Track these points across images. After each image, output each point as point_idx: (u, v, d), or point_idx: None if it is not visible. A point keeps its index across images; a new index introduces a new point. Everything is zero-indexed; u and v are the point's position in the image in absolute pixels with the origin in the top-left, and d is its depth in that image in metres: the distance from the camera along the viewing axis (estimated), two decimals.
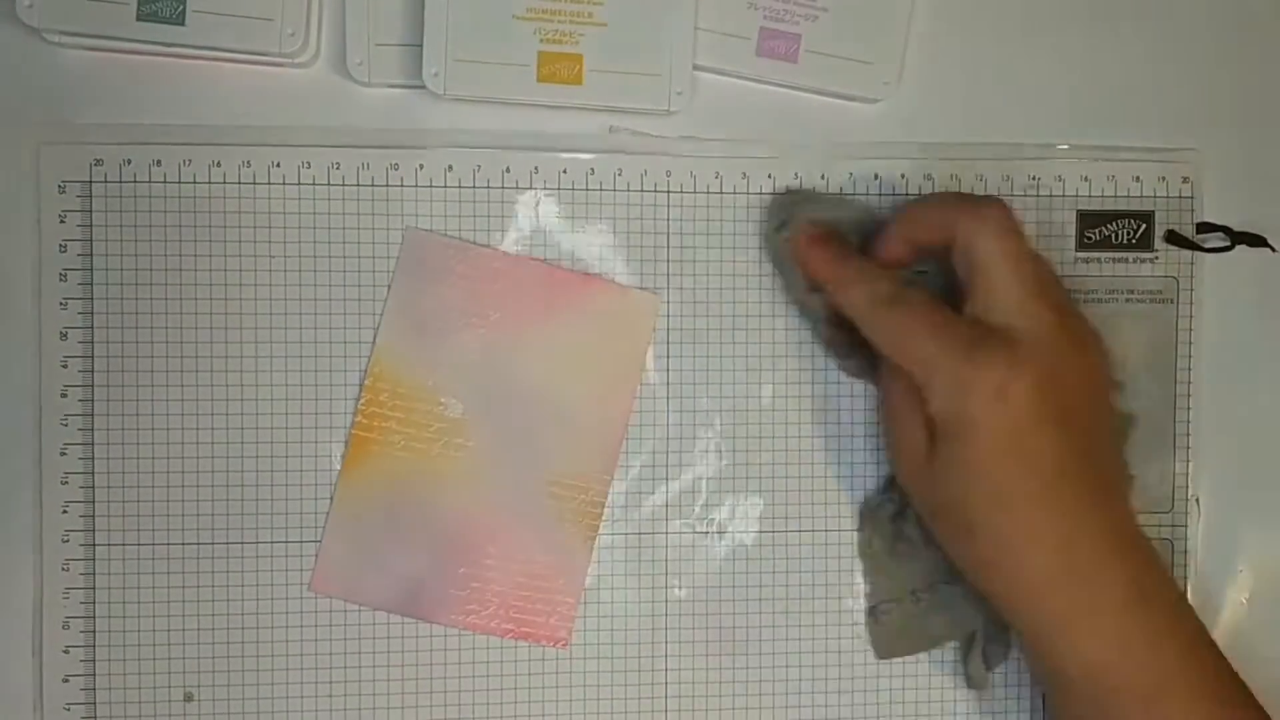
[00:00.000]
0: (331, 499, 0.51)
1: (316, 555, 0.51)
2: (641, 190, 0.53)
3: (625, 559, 0.53)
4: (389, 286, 0.51)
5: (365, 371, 0.51)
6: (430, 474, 0.51)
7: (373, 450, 0.51)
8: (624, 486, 0.53)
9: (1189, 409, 0.56)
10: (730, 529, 0.53)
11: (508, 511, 0.52)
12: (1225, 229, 0.55)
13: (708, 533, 0.53)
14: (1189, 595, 0.55)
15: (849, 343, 0.50)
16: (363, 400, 0.51)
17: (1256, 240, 0.55)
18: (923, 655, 0.54)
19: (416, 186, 0.51)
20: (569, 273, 0.52)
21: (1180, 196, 0.55)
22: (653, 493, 0.53)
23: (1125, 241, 0.55)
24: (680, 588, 0.53)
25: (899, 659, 0.54)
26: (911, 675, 0.54)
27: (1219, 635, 0.48)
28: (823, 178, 0.53)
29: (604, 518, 0.52)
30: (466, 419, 0.51)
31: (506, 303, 0.52)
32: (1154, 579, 0.46)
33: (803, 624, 0.54)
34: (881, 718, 0.54)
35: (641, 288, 0.53)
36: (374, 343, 0.51)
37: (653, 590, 0.53)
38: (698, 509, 0.53)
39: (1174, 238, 0.55)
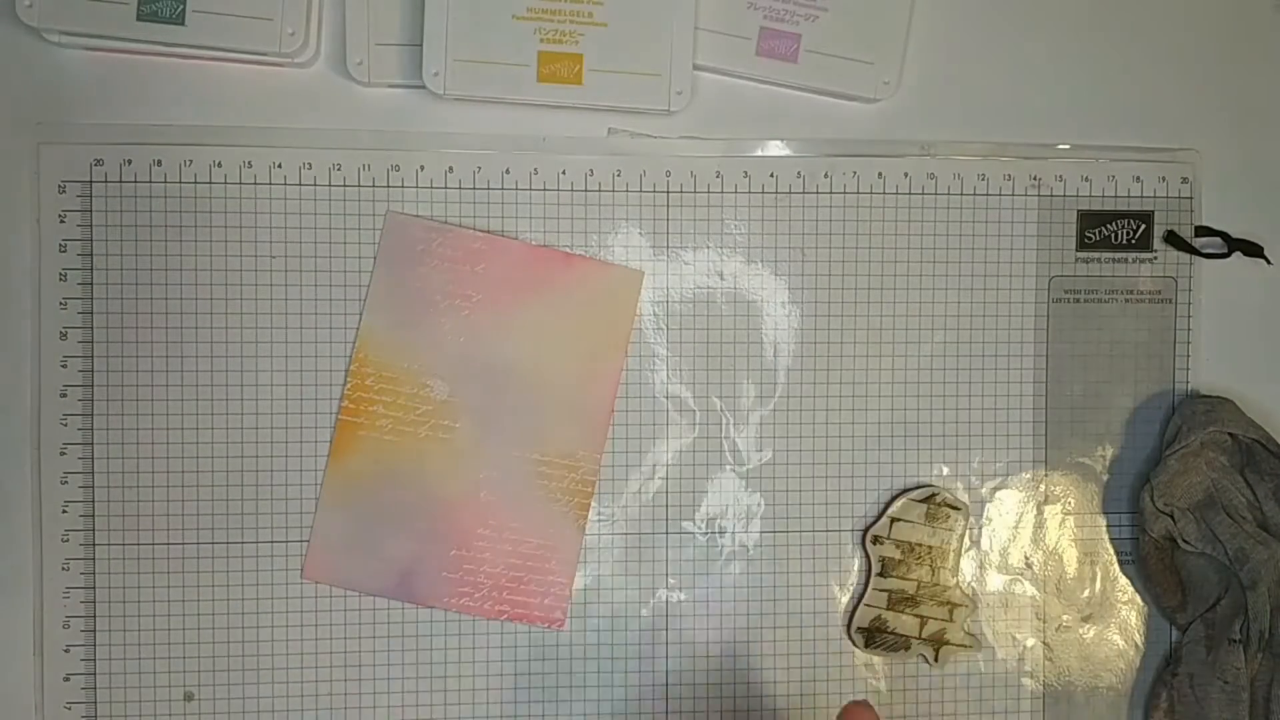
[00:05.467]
0: (319, 486, 0.51)
1: (307, 543, 0.51)
2: (641, 191, 0.53)
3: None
4: (372, 271, 0.51)
5: (350, 357, 0.51)
6: (418, 457, 0.51)
7: (360, 435, 0.51)
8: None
9: None
10: (728, 529, 0.54)
11: (497, 492, 0.52)
12: (1223, 235, 0.55)
13: (705, 530, 0.54)
14: None
15: None
16: (348, 385, 0.51)
17: (1253, 249, 0.55)
18: (914, 657, 0.54)
19: (417, 187, 0.52)
20: (550, 250, 0.52)
21: (1180, 197, 0.55)
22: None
23: (1125, 241, 0.55)
24: (672, 577, 0.54)
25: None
26: (908, 675, 0.55)
27: None
28: (826, 176, 0.53)
29: (594, 494, 0.53)
30: (453, 401, 0.52)
31: (488, 283, 0.52)
32: None
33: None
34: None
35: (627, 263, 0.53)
36: (358, 327, 0.51)
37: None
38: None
39: (1173, 239, 0.55)
